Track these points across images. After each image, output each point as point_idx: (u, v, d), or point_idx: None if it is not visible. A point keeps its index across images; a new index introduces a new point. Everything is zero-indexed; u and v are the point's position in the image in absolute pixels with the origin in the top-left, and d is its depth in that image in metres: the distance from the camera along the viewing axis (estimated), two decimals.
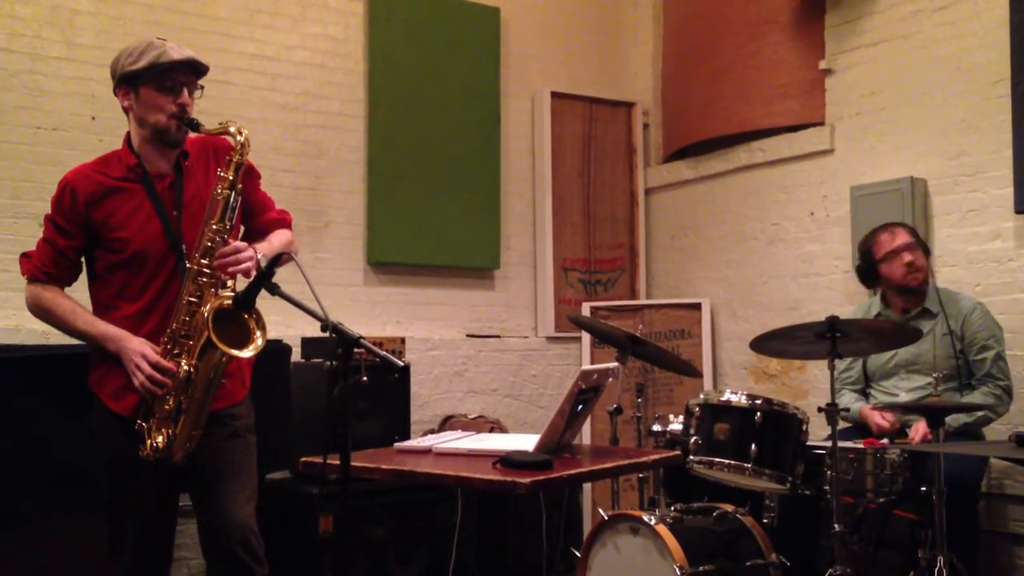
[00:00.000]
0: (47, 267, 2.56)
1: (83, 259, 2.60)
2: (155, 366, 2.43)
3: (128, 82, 2.54)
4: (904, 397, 3.68)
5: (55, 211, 2.56)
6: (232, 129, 2.54)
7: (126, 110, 2.60)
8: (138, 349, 2.44)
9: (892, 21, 4.38)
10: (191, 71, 2.57)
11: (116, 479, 2.56)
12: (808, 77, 4.74)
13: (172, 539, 2.67)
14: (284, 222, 2.84)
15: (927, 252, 3.74)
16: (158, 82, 2.52)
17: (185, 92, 2.56)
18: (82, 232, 2.54)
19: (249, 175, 2.69)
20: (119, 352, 2.46)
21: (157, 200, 2.56)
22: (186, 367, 2.45)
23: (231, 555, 2.51)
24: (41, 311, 2.57)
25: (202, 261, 2.48)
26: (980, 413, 3.50)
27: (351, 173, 4.83)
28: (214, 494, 2.55)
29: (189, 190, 2.61)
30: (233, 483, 2.57)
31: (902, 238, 3.69)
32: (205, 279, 2.48)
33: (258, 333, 2.46)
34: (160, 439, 2.44)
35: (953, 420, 3.44)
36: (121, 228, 2.52)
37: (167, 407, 2.45)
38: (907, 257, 3.66)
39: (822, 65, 4.68)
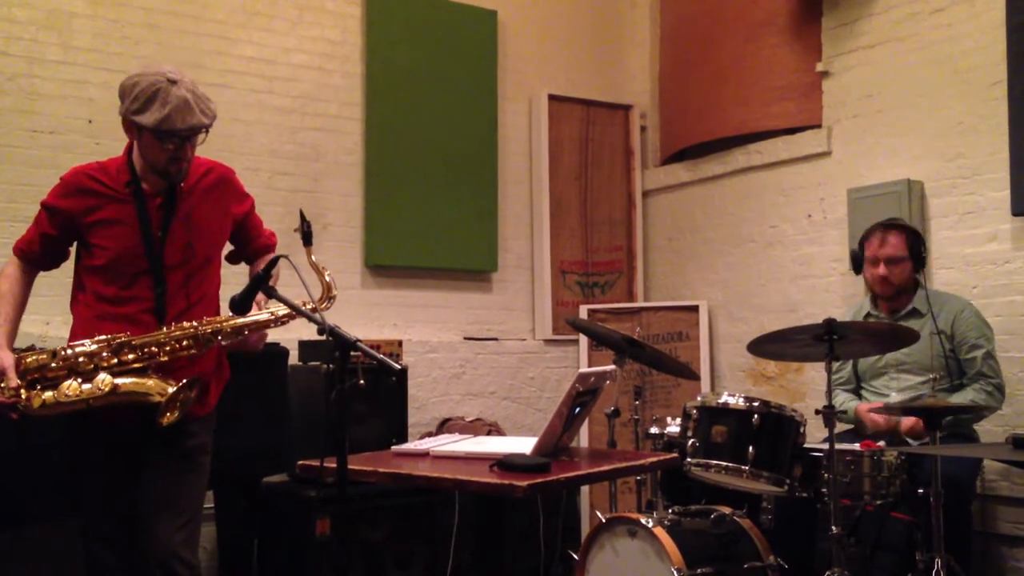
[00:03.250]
0: (23, 244, 2.68)
1: (65, 251, 2.71)
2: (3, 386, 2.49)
3: (132, 123, 2.53)
4: (895, 396, 3.68)
5: (49, 200, 2.63)
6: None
7: (127, 131, 2.61)
8: None
9: (889, 23, 4.39)
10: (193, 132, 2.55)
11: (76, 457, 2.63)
12: (805, 79, 4.74)
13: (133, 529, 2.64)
14: (271, 248, 2.94)
15: (919, 261, 3.68)
16: (157, 136, 2.51)
17: (186, 146, 2.55)
18: (62, 229, 2.62)
19: (243, 201, 2.81)
20: None
21: (144, 217, 2.60)
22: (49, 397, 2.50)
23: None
24: None
25: (210, 336, 2.58)
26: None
27: (349, 176, 4.83)
28: (148, 514, 2.59)
29: (181, 211, 2.64)
30: (169, 508, 2.60)
31: (889, 249, 3.66)
32: (193, 348, 2.58)
33: (168, 414, 2.52)
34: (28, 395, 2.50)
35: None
36: (103, 237, 2.58)
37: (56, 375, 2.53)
38: (882, 270, 3.67)
39: (819, 67, 4.68)
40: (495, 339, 5.22)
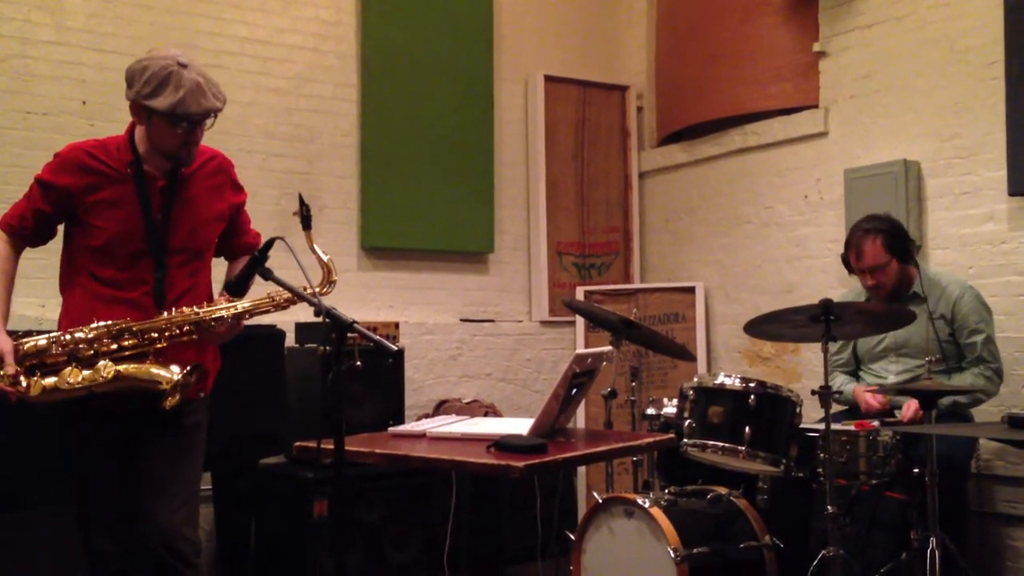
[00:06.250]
0: (13, 220, 2.61)
1: (55, 228, 2.65)
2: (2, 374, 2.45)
3: (142, 107, 2.51)
4: (893, 380, 3.69)
5: (44, 176, 2.58)
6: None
7: (135, 116, 2.58)
8: None
9: (886, 3, 4.37)
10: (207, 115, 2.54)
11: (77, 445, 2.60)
12: (802, 60, 4.73)
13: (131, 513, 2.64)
14: (255, 247, 2.87)
15: (905, 255, 3.63)
16: (171, 120, 2.49)
17: (197, 130, 2.55)
18: (57, 206, 2.57)
19: (239, 193, 2.81)
20: None
21: (145, 200, 2.57)
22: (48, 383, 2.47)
23: (155, 556, 2.56)
24: None
25: (212, 322, 2.56)
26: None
27: (344, 157, 4.81)
28: (148, 495, 2.58)
29: (183, 196, 2.63)
30: (168, 488, 2.60)
31: (868, 260, 3.60)
32: (195, 333, 2.56)
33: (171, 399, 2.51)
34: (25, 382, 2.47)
35: (943, 399, 3.45)
36: (102, 217, 2.55)
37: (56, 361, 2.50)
38: (870, 281, 3.64)
39: (816, 47, 4.66)
40: (491, 321, 5.22)
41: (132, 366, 2.49)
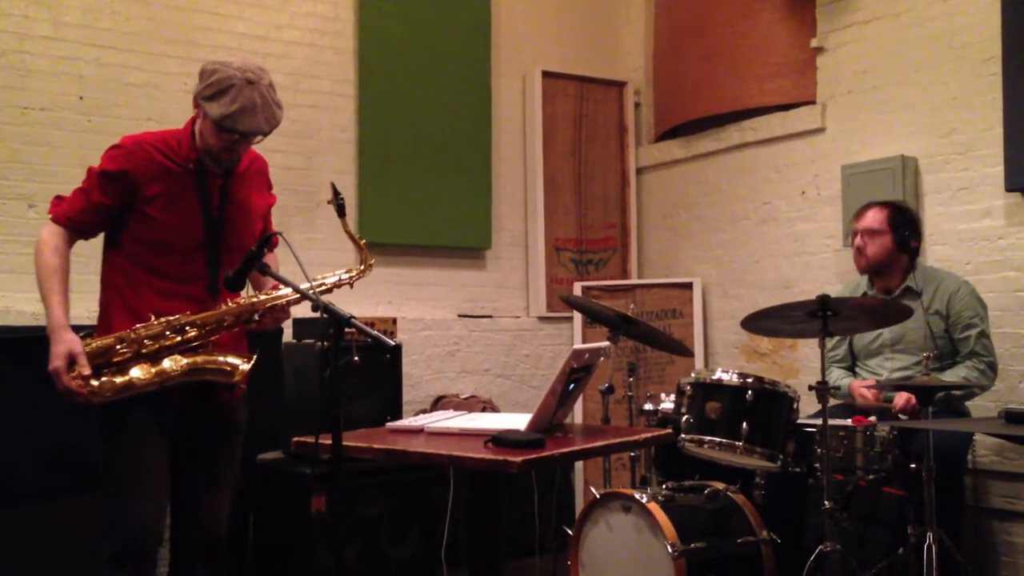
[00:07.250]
0: (73, 214, 2.57)
1: (109, 222, 2.62)
2: (74, 375, 2.42)
3: (199, 106, 2.55)
4: (888, 376, 3.70)
5: (107, 166, 2.55)
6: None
7: (195, 109, 2.61)
8: (63, 352, 2.42)
9: None
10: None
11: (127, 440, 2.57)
12: (800, 55, 4.73)
13: (164, 514, 2.66)
14: (274, 243, 2.92)
15: (902, 238, 3.66)
16: (218, 128, 2.52)
17: (242, 143, 2.58)
18: (121, 199, 2.55)
19: (271, 192, 2.93)
20: (50, 334, 2.46)
21: (206, 196, 2.61)
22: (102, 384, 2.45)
23: (211, 540, 2.63)
24: (39, 252, 2.55)
25: (267, 310, 2.61)
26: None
27: (342, 153, 4.81)
28: (207, 492, 2.64)
29: (235, 194, 2.68)
30: (225, 487, 2.68)
31: (866, 222, 3.69)
32: (250, 320, 2.61)
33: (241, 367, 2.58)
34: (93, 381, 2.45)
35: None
36: (163, 210, 2.56)
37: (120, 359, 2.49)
38: (857, 241, 3.70)
39: (814, 43, 4.67)
40: (489, 316, 5.22)
41: (200, 358, 2.53)
